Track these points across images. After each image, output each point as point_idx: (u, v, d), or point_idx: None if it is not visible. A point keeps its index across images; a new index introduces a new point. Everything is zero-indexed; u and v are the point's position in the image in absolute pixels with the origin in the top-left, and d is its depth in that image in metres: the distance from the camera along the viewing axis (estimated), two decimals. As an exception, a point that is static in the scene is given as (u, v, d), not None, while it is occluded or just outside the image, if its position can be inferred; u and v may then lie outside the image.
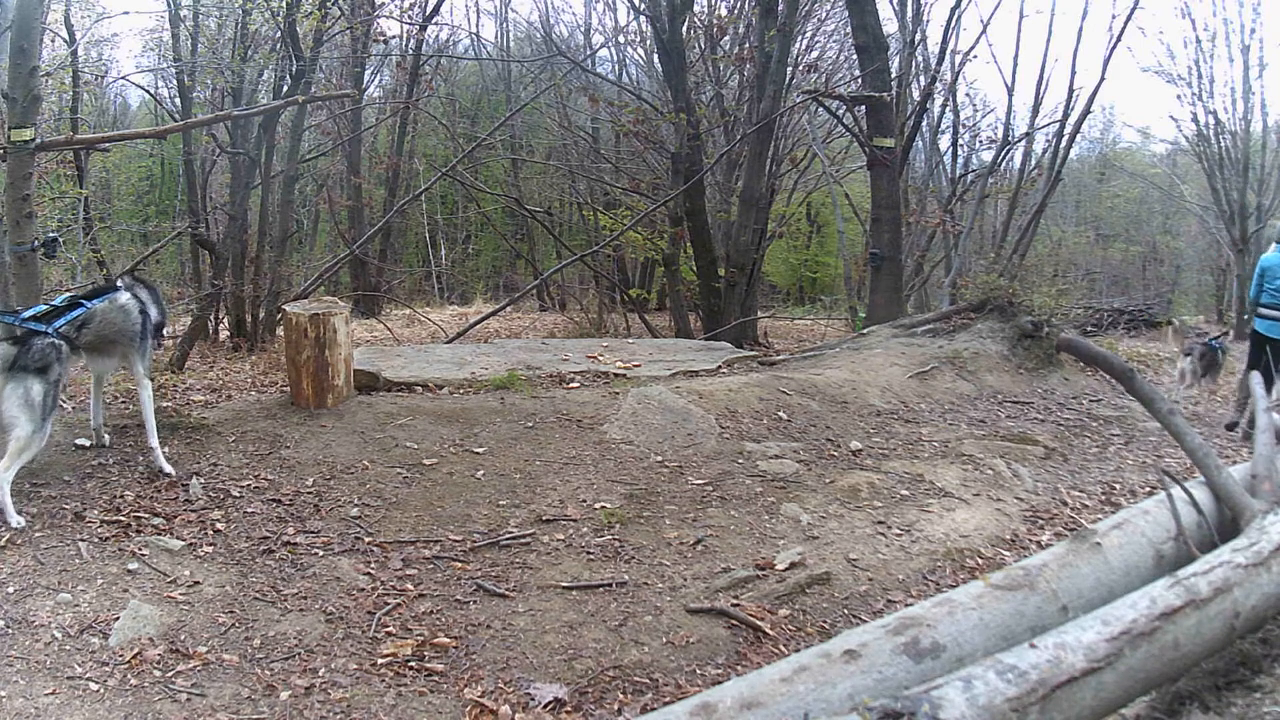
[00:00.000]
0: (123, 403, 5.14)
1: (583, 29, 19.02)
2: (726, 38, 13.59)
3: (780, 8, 10.61)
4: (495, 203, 17.77)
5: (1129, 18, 12.27)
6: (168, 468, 4.20)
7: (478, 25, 25.19)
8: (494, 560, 3.76)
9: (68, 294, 4.31)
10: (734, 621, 3.37)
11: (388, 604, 3.37)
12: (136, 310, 4.22)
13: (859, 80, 10.53)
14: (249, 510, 3.94)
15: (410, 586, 3.51)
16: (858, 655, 2.10)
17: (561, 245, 15.62)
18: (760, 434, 5.40)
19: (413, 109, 15.65)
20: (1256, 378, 4.51)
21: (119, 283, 4.38)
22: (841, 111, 11.25)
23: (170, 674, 2.79)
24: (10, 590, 3.08)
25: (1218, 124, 15.94)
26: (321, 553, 3.70)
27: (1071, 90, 12.78)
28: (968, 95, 16.38)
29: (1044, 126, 13.64)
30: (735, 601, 3.51)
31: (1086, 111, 13.13)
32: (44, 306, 3.96)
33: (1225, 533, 2.92)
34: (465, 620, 3.31)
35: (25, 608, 2.99)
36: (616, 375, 6.43)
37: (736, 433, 5.37)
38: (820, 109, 12.79)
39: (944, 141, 15.44)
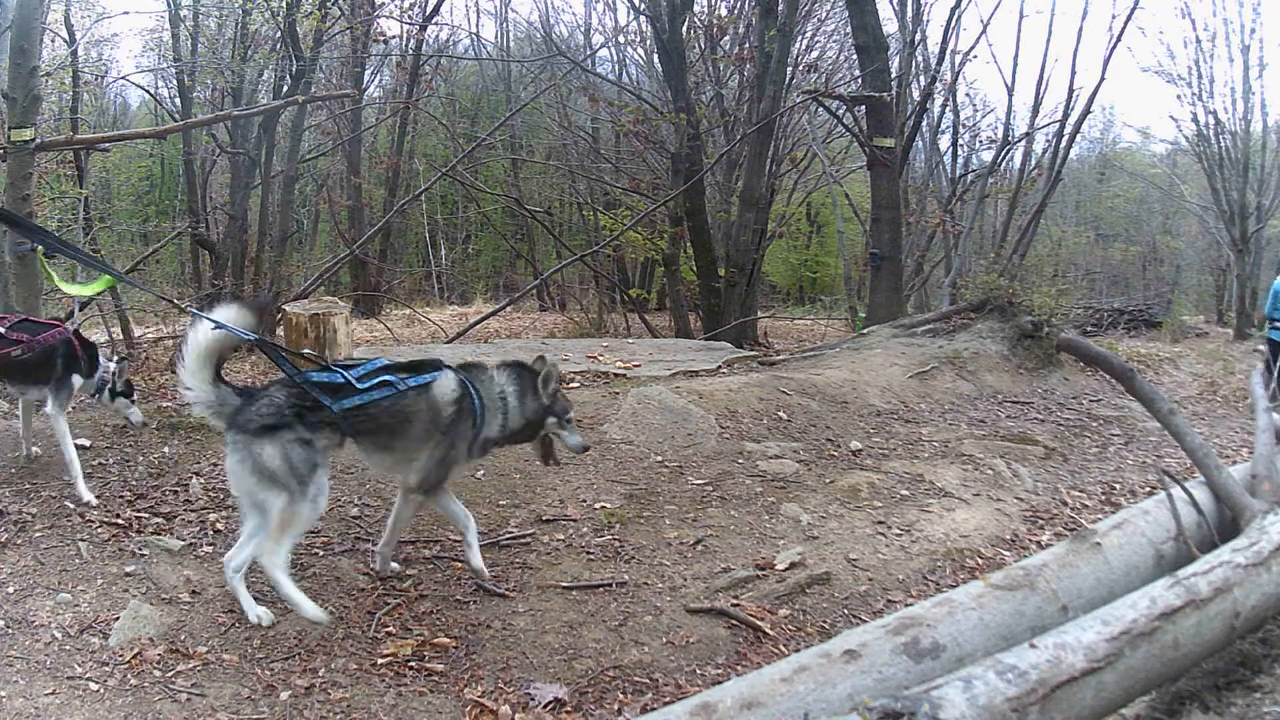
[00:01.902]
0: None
1: (583, 29, 19.05)
2: (726, 38, 13.59)
3: (780, 8, 10.61)
4: (495, 203, 17.77)
5: (1129, 18, 12.31)
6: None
7: (478, 25, 25.25)
8: (494, 560, 3.76)
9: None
10: (734, 621, 3.37)
11: (388, 604, 3.37)
12: (454, 400, 3.28)
13: (859, 80, 10.54)
14: (249, 510, 3.93)
15: (410, 586, 3.51)
16: (858, 655, 2.10)
17: (561, 245, 15.62)
18: (760, 434, 5.40)
19: (413, 109, 15.66)
20: (1256, 378, 4.51)
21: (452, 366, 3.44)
22: (841, 111, 11.26)
23: (170, 674, 2.79)
24: (10, 590, 3.08)
25: (1218, 124, 15.93)
26: (321, 553, 3.70)
27: (1071, 90, 12.82)
28: (968, 95, 16.41)
29: (1044, 126, 13.69)
30: (735, 601, 3.51)
31: (1086, 111, 13.16)
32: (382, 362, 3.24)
33: (1225, 533, 2.92)
34: (465, 620, 3.31)
35: (25, 608, 2.99)
36: (616, 375, 6.43)
37: (736, 433, 5.37)
38: (820, 109, 12.79)
39: (944, 141, 15.48)
